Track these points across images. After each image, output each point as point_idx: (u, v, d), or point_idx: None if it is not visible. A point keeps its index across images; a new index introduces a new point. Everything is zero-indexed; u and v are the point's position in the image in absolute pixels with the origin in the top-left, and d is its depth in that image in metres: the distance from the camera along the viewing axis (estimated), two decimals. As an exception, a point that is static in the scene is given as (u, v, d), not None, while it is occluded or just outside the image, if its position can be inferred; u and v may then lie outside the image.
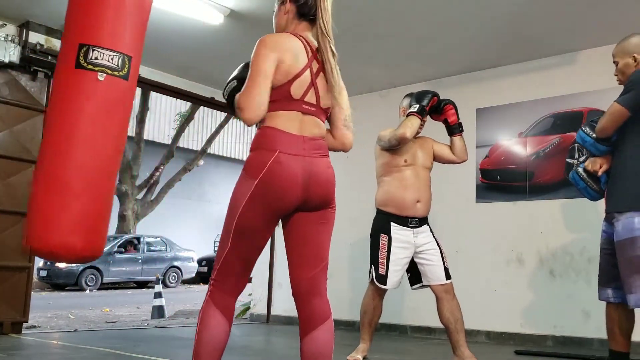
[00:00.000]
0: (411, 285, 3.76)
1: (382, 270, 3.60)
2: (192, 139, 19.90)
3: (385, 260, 3.60)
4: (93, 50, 2.29)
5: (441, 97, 3.75)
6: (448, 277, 3.60)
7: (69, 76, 2.31)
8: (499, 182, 5.35)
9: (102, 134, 2.33)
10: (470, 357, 3.52)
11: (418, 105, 3.58)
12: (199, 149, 18.44)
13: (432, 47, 5.12)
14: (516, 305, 4.99)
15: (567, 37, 4.81)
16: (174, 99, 11.80)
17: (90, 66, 2.29)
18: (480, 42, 4.98)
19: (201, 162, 18.17)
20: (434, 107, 3.70)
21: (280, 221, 2.11)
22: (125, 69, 2.39)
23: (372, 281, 3.70)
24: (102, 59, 2.30)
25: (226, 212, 2.05)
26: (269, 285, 6.77)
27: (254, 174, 1.97)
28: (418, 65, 5.52)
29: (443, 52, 5.19)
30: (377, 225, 3.73)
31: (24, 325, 5.06)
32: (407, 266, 3.66)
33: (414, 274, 3.70)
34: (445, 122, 3.74)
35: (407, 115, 3.60)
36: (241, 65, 2.17)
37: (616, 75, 3.09)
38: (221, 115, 17.31)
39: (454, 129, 3.74)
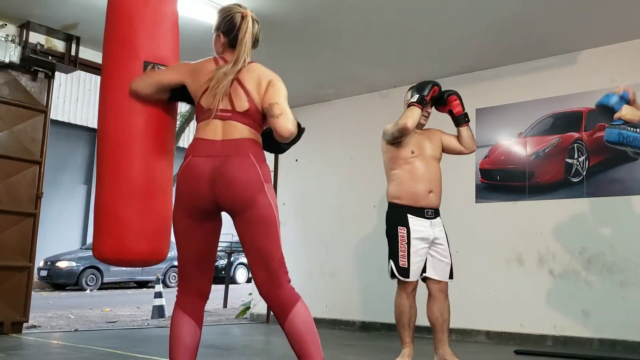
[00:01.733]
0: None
1: (403, 263, 3.49)
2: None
3: (406, 253, 3.49)
4: (157, 67, 2.48)
5: (444, 89, 3.75)
6: (451, 276, 3.58)
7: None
8: (499, 182, 5.35)
9: (163, 144, 2.54)
10: (452, 355, 3.52)
11: (418, 95, 3.56)
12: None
13: (432, 47, 5.12)
14: (516, 305, 4.99)
15: (567, 37, 4.81)
16: (174, 99, 11.83)
17: None
18: (480, 42, 4.98)
19: (201, 162, 18.17)
20: (437, 98, 3.67)
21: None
22: None
23: (394, 277, 3.54)
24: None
25: None
26: (269, 285, 6.77)
27: (176, 182, 2.24)
28: (418, 65, 5.52)
29: (443, 52, 5.19)
30: (392, 218, 3.60)
31: (24, 325, 5.06)
32: (426, 256, 3.55)
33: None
34: (451, 113, 3.71)
35: (408, 106, 3.58)
36: None
37: None
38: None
39: (460, 120, 3.70)
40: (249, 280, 13.67)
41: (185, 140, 19.92)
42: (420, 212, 3.55)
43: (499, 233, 5.22)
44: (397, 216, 3.58)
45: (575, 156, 4.97)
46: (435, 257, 3.57)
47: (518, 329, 4.95)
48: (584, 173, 4.88)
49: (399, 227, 3.53)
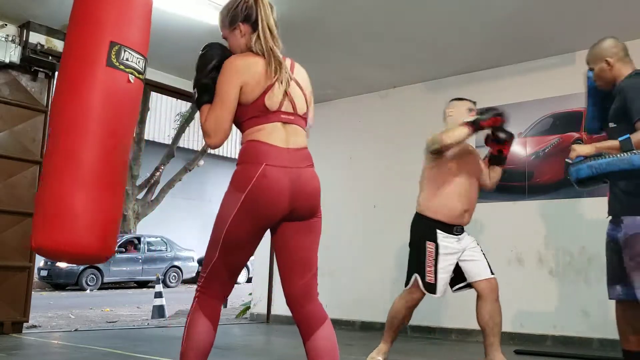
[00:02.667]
0: (452, 286, 3.56)
1: (430, 279, 3.41)
2: (193, 139, 19.91)
3: (433, 269, 3.42)
4: (125, 50, 2.29)
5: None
6: (492, 272, 3.49)
7: (99, 73, 2.26)
8: (499, 182, 5.34)
9: (123, 132, 2.33)
10: None
11: (476, 118, 3.40)
12: (200, 149, 18.45)
13: (432, 47, 5.12)
14: (516, 305, 4.99)
15: (567, 37, 4.81)
16: (174, 99, 11.84)
17: (122, 67, 2.28)
18: (480, 42, 4.98)
19: (201, 162, 18.17)
20: (493, 130, 3.51)
21: (268, 230, 2.15)
22: (144, 73, 2.42)
23: (415, 288, 3.47)
24: (131, 61, 2.32)
25: (214, 223, 2.09)
26: (269, 285, 6.78)
27: (241, 187, 2.01)
28: (418, 65, 5.52)
29: (443, 52, 5.20)
30: (421, 231, 3.50)
31: (25, 325, 5.07)
32: (452, 268, 3.50)
33: (455, 274, 3.53)
34: (499, 152, 3.59)
35: (460, 125, 3.40)
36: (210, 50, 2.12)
37: (595, 81, 3.05)
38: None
39: (502, 161, 3.63)
40: (249, 280, 13.66)
41: (186, 141, 20.05)
42: (449, 228, 3.46)
43: (498, 233, 5.21)
44: (426, 229, 3.48)
45: (575, 156, 4.96)
46: (468, 262, 3.48)
47: (518, 329, 4.95)
48: (584, 173, 4.87)
49: (427, 241, 3.44)
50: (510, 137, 3.53)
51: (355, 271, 6.10)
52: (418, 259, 3.46)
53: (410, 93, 6.01)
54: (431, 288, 3.42)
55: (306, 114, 2.16)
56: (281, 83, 2.06)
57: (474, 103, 3.68)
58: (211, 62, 2.09)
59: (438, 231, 3.44)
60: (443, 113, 3.70)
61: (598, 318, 4.59)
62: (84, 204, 2.22)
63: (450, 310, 5.22)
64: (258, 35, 2.10)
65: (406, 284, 3.51)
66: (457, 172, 3.48)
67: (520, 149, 5.27)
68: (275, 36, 2.13)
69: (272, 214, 2.04)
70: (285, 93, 2.07)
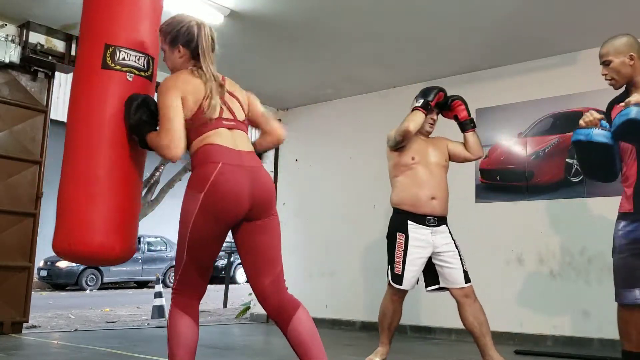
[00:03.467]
0: (427, 286, 3.61)
1: (397, 270, 3.46)
2: (193, 139, 19.91)
3: (401, 260, 3.45)
4: (120, 51, 2.34)
5: (448, 99, 3.72)
6: (467, 280, 3.49)
7: (95, 76, 2.33)
8: (499, 182, 5.35)
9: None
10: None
11: (422, 100, 3.53)
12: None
13: (432, 47, 5.12)
14: (516, 305, 4.99)
15: (567, 37, 4.81)
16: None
17: (118, 67, 2.33)
18: (480, 42, 4.98)
19: (201, 162, 18.18)
20: (442, 104, 3.64)
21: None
22: (150, 70, 2.45)
23: (389, 282, 3.55)
24: (129, 60, 2.35)
25: (178, 227, 2.20)
26: (269, 285, 6.76)
27: (199, 187, 2.10)
28: (418, 65, 5.52)
29: (443, 52, 5.19)
30: (393, 224, 3.58)
31: (24, 325, 5.06)
32: (424, 266, 3.53)
33: (431, 275, 3.57)
34: (456, 118, 3.67)
35: (412, 111, 3.55)
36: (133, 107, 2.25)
37: (605, 74, 2.91)
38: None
39: (465, 125, 3.65)
40: (249, 281, 13.66)
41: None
42: (421, 219, 3.49)
43: (499, 233, 5.22)
44: (397, 222, 3.56)
45: (575, 156, 4.96)
46: (444, 268, 3.50)
47: (518, 329, 4.95)
48: (584, 173, 4.88)
49: (398, 233, 3.51)
50: (456, 99, 3.64)
51: (355, 271, 6.09)
52: (390, 251, 3.53)
53: (410, 93, 5.93)
54: (397, 279, 3.46)
55: (246, 121, 2.31)
56: (215, 94, 2.21)
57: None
58: (133, 103, 2.24)
59: (409, 222, 3.50)
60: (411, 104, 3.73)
61: (598, 318, 4.59)
62: (96, 206, 2.27)
63: (450, 310, 5.20)
64: (197, 58, 2.28)
65: (387, 278, 3.56)
66: (417, 161, 3.57)
67: (520, 149, 5.27)
68: (212, 58, 2.31)
69: (232, 212, 2.12)
70: (223, 102, 2.23)
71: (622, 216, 2.87)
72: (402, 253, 3.46)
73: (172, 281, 2.25)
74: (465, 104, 3.66)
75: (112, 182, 2.29)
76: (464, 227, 5.27)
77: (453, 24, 4.65)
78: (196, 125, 2.16)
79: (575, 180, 4.92)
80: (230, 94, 2.29)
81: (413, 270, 3.46)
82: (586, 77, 4.95)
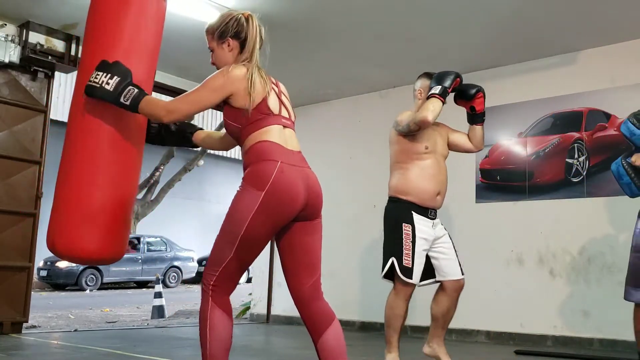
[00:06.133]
0: (420, 280, 3.38)
1: (407, 262, 3.26)
2: (192, 139, 19.87)
3: (410, 252, 3.26)
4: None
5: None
6: (462, 272, 3.42)
7: (79, 93, 2.31)
8: (499, 182, 5.35)
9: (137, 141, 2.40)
10: (446, 355, 3.41)
11: (440, 87, 3.28)
12: (199, 149, 18.44)
13: (432, 47, 5.12)
14: (516, 305, 4.99)
15: (567, 37, 4.81)
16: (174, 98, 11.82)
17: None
18: (480, 42, 4.98)
19: (201, 162, 18.14)
20: (459, 91, 3.47)
21: None
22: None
23: (387, 277, 3.35)
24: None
25: (227, 222, 2.11)
26: (269, 285, 6.77)
27: (259, 185, 2.06)
28: (418, 65, 5.47)
29: (443, 52, 5.19)
30: (396, 214, 3.36)
31: (24, 325, 5.06)
32: (425, 259, 3.38)
33: (425, 268, 3.39)
34: (472, 109, 3.49)
35: (428, 98, 3.29)
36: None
37: None
38: (221, 115, 17.28)
39: (478, 118, 3.51)
40: (249, 280, 13.64)
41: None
42: (424, 211, 3.37)
43: (499, 233, 5.21)
44: (402, 212, 3.35)
45: (576, 156, 4.97)
46: (441, 260, 3.40)
47: (518, 329, 4.95)
48: (584, 173, 4.88)
49: (403, 223, 3.31)
50: (478, 91, 3.46)
51: (355, 271, 6.09)
52: (394, 243, 3.31)
53: (410, 93, 5.99)
54: (408, 272, 3.26)
55: (294, 122, 2.29)
56: (273, 91, 2.21)
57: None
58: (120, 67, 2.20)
59: (414, 213, 3.33)
60: (412, 91, 3.62)
61: (598, 318, 4.59)
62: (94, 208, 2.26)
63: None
64: (249, 50, 2.25)
65: (382, 271, 3.35)
66: (430, 151, 3.40)
67: (520, 149, 5.27)
68: (257, 49, 2.29)
69: (290, 210, 2.10)
70: (280, 100, 2.22)
71: None
72: (411, 245, 3.28)
73: (204, 274, 2.15)
74: (485, 96, 3.50)
75: (108, 182, 2.28)
76: (464, 227, 5.29)
77: (453, 24, 4.65)
78: (256, 117, 2.13)
79: (575, 180, 4.92)
80: (284, 94, 2.29)
81: (420, 264, 3.31)
82: (586, 77, 4.95)
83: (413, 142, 3.40)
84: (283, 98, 2.26)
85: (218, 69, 2.27)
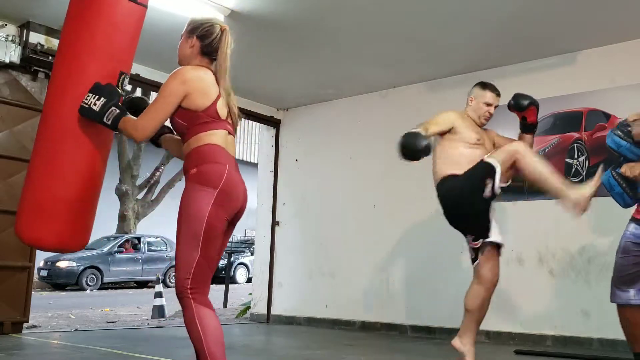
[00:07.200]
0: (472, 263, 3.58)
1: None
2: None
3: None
4: (126, 77, 2.53)
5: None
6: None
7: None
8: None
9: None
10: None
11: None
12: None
13: (432, 47, 5.12)
14: (516, 305, 4.99)
15: (567, 37, 4.81)
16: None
17: (124, 92, 2.52)
18: (481, 42, 4.98)
19: (201, 162, 18.16)
20: (513, 99, 3.59)
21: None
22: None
23: (490, 254, 3.43)
24: (126, 85, 2.57)
25: (186, 224, 2.26)
26: (269, 285, 6.77)
27: (212, 183, 2.24)
28: (418, 65, 5.52)
29: (443, 52, 5.19)
30: (473, 182, 3.38)
31: (25, 325, 5.07)
32: None
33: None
34: (524, 119, 3.62)
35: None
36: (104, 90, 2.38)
37: None
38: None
39: (529, 128, 3.65)
40: (249, 280, 13.65)
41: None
42: None
43: (499, 233, 5.21)
44: (476, 182, 3.36)
45: (575, 156, 4.97)
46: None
47: (518, 329, 4.95)
48: (584, 173, 4.88)
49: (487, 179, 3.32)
50: (530, 104, 3.54)
51: (355, 271, 6.09)
52: (480, 215, 3.48)
53: (410, 93, 6.01)
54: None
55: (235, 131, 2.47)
56: (225, 96, 2.37)
57: (498, 95, 3.69)
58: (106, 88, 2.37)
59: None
60: (468, 94, 3.75)
61: (598, 318, 4.59)
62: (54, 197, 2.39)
63: (450, 310, 5.22)
64: (208, 56, 2.44)
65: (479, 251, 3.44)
66: (477, 142, 3.54)
67: (520, 149, 5.26)
68: (227, 63, 2.44)
69: (236, 207, 2.32)
70: (228, 107, 2.38)
71: (635, 220, 3.00)
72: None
73: (178, 283, 2.23)
74: (538, 109, 3.62)
75: (68, 173, 2.40)
76: (464, 227, 5.29)
77: (453, 24, 4.65)
78: (204, 119, 2.29)
79: (575, 180, 4.91)
80: (232, 101, 2.42)
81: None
82: (586, 77, 4.95)
83: (461, 133, 3.54)
84: (232, 106, 2.40)
85: (177, 56, 2.51)
